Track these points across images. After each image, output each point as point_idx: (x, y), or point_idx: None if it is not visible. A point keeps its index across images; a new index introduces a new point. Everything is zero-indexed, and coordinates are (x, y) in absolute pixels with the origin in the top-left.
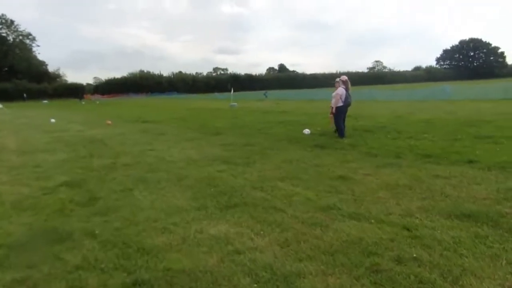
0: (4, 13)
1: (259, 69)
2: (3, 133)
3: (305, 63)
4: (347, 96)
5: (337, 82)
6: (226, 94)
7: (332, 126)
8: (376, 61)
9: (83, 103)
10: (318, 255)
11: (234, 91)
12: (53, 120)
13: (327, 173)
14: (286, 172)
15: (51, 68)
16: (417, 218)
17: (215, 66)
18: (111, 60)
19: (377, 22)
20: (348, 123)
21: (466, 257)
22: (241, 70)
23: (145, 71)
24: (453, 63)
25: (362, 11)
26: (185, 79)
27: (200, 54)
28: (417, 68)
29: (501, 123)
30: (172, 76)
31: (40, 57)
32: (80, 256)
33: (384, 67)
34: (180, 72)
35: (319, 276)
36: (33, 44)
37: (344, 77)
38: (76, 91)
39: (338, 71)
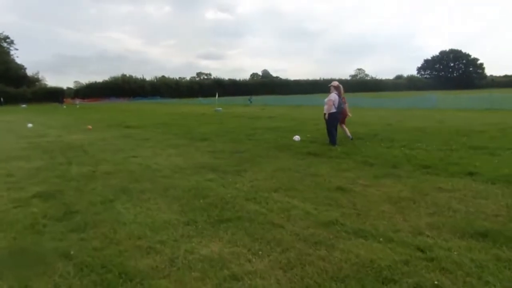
0: None
1: (243, 75)
2: None
3: (288, 69)
4: (340, 102)
5: (330, 87)
6: (210, 99)
7: (349, 135)
8: (359, 69)
9: (64, 107)
10: (328, 282)
11: (218, 96)
12: (30, 125)
13: (324, 184)
14: (280, 182)
15: (30, 72)
16: (428, 236)
17: (198, 71)
18: (92, 64)
19: (359, 30)
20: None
21: (494, 285)
22: (225, 75)
23: (128, 75)
24: (434, 73)
25: (345, 19)
26: (168, 84)
27: (184, 59)
28: (399, 77)
29: (493, 133)
30: (155, 80)
31: (19, 60)
32: (52, 285)
33: (367, 75)
34: (163, 76)
35: None
36: (11, 48)
37: (336, 83)
38: (56, 95)
39: (322, 78)
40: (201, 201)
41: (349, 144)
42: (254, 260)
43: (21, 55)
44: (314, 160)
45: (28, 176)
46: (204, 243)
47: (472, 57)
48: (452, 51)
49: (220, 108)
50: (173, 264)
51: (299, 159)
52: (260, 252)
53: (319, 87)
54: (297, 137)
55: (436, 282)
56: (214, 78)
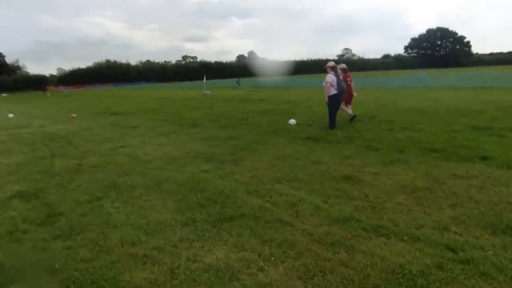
0: None
1: (229, 57)
2: None
3: (275, 50)
4: (339, 82)
5: (326, 68)
6: (197, 82)
7: (350, 113)
8: (346, 49)
9: (49, 94)
10: None
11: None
12: (11, 115)
13: (329, 172)
14: (282, 171)
15: (9, 60)
16: (456, 233)
17: (183, 54)
18: (75, 50)
19: (345, 10)
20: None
21: None
22: (211, 58)
23: (112, 60)
24: (421, 51)
25: None
26: (154, 68)
27: (168, 42)
28: (386, 56)
29: (493, 113)
30: (140, 65)
31: None
32: None
33: (354, 55)
34: (148, 60)
35: None
36: None
37: (332, 63)
38: (38, 83)
39: (309, 59)
40: (198, 196)
41: (350, 128)
42: (266, 268)
43: None
44: (314, 145)
45: (7, 173)
46: (207, 248)
47: (459, 35)
48: (439, 29)
49: (209, 92)
50: (174, 276)
51: (298, 144)
52: (272, 258)
53: (308, 68)
54: (292, 121)
55: None
56: (201, 61)
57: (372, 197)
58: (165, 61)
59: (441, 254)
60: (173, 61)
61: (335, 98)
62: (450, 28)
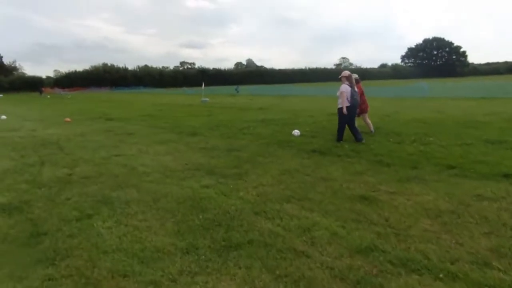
0: None
1: (226, 64)
2: None
3: (272, 58)
4: (353, 94)
5: (341, 78)
6: (195, 89)
7: (371, 130)
8: (343, 58)
9: (48, 96)
10: None
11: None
12: (4, 117)
13: (342, 191)
14: (290, 188)
15: (6, 61)
16: (500, 270)
17: (181, 60)
18: (71, 53)
19: (342, 19)
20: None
21: None
22: (208, 65)
23: (109, 64)
24: (418, 61)
25: (327, 8)
26: (152, 73)
27: (165, 47)
28: (383, 66)
29: (501, 124)
30: (138, 70)
31: None
32: None
33: (351, 64)
34: (146, 65)
35: None
36: None
37: (347, 72)
38: (35, 85)
39: (307, 67)
40: (200, 216)
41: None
42: None
43: None
44: (321, 159)
45: None
46: (212, 284)
47: (455, 45)
48: (435, 39)
49: (207, 99)
50: None
51: (304, 158)
52: None
53: (306, 76)
54: (296, 132)
55: None
56: (199, 68)
57: (393, 221)
58: (163, 67)
59: None
60: (171, 67)
61: (348, 110)
62: (446, 38)
